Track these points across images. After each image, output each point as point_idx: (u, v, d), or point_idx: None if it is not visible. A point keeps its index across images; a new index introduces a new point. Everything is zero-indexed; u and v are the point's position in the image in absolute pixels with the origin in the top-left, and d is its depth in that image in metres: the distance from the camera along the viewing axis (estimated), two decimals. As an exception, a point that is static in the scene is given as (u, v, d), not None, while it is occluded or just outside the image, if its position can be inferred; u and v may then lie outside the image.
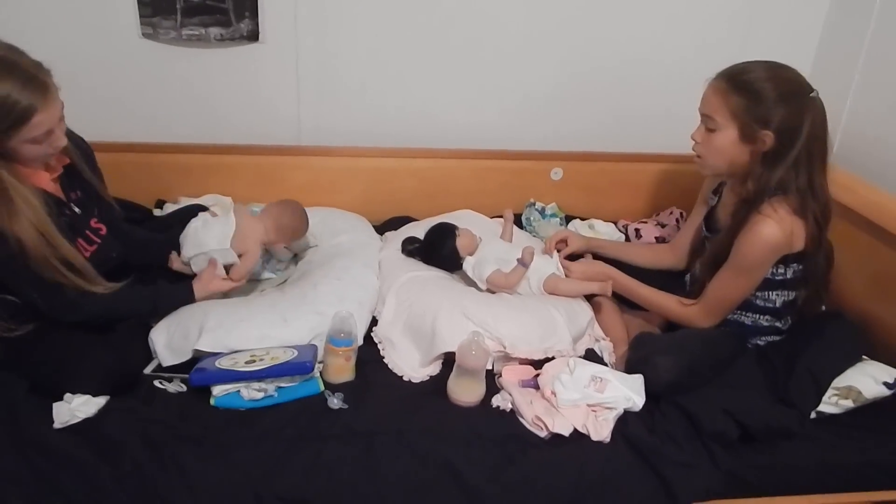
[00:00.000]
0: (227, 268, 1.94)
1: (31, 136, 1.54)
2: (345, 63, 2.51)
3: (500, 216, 2.35)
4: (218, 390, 1.65)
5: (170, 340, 1.77)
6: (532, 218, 2.59)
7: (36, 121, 1.52)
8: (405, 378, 1.81)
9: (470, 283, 2.07)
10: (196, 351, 1.73)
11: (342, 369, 1.76)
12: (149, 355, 1.78)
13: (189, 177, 2.51)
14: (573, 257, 2.18)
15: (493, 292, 2.02)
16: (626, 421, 1.69)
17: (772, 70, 1.76)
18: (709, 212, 2.06)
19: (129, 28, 2.34)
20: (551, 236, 2.23)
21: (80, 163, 1.80)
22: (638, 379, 1.75)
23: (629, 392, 1.71)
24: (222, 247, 1.94)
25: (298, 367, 1.68)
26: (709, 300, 1.87)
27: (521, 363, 1.84)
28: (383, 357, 1.87)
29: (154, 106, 2.48)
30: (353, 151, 2.59)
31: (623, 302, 2.09)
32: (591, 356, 1.89)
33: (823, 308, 2.03)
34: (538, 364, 1.82)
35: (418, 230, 2.28)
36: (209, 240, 1.95)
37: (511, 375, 1.79)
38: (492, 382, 1.78)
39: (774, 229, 1.72)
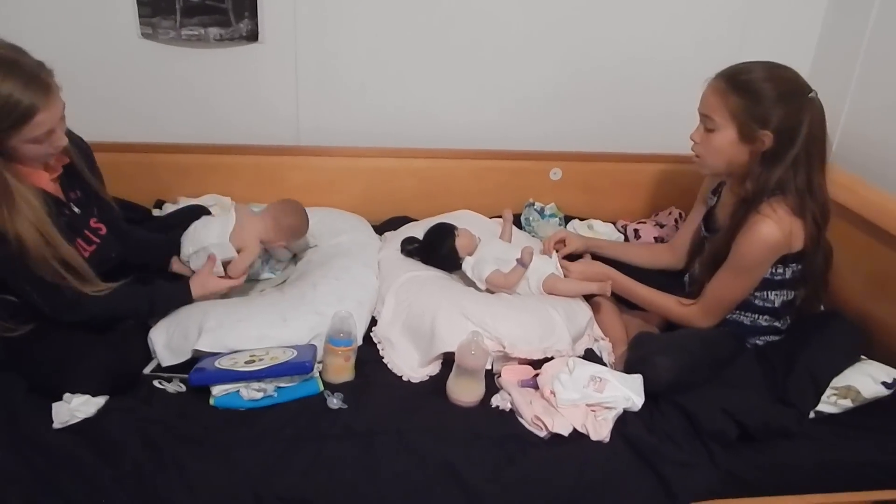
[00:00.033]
0: (226, 265, 1.94)
1: (32, 135, 1.54)
2: (344, 63, 2.51)
3: (500, 216, 2.35)
4: (217, 390, 1.66)
5: (169, 340, 1.77)
6: (531, 218, 2.60)
7: (37, 120, 1.52)
8: (404, 378, 1.81)
9: (469, 283, 2.07)
10: (195, 351, 1.73)
11: (341, 369, 1.76)
12: (148, 355, 1.79)
13: (188, 177, 2.51)
14: (572, 257, 2.18)
15: (493, 292, 2.02)
16: (625, 420, 1.69)
17: (770, 70, 1.76)
18: (708, 212, 2.06)
19: (129, 28, 2.34)
20: (549, 237, 2.23)
21: (79, 163, 1.80)
22: (637, 379, 1.75)
23: (628, 392, 1.71)
24: (221, 241, 1.94)
25: (298, 367, 1.68)
26: (708, 300, 1.87)
27: (520, 363, 1.84)
28: (383, 357, 1.87)
29: (153, 106, 2.48)
30: (352, 151, 2.59)
31: (622, 302, 2.10)
32: (591, 356, 1.90)
33: (822, 308, 2.03)
34: (537, 364, 1.82)
35: (417, 230, 2.28)
36: (209, 236, 1.96)
37: (510, 375, 1.79)
38: (491, 382, 1.78)
39: (773, 229, 1.72)
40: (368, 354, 1.86)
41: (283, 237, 2.02)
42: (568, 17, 2.52)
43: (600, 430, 1.65)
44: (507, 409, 1.71)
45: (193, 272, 1.93)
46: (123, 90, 2.44)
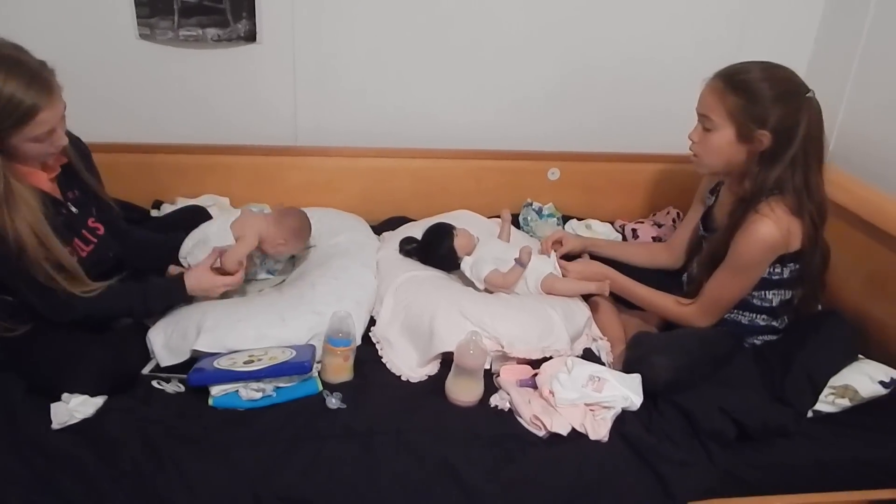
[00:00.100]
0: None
1: (33, 134, 1.54)
2: (342, 63, 2.51)
3: (498, 216, 2.35)
4: (216, 390, 1.66)
5: (168, 340, 1.77)
6: (529, 218, 2.60)
7: (39, 119, 1.53)
8: (403, 378, 1.81)
9: (468, 282, 2.07)
10: (194, 351, 1.73)
11: (340, 369, 1.76)
12: (147, 355, 1.78)
13: (186, 177, 2.51)
14: (570, 257, 2.18)
15: (491, 292, 2.02)
16: (623, 420, 1.69)
17: (768, 70, 1.76)
18: (706, 211, 2.07)
19: (127, 29, 2.34)
20: (547, 237, 2.24)
21: (77, 163, 1.80)
22: (635, 378, 1.75)
23: (627, 391, 1.71)
24: (221, 228, 1.95)
25: (297, 367, 1.68)
26: (706, 300, 1.88)
27: (518, 363, 1.84)
28: (381, 357, 1.87)
29: (151, 106, 2.48)
30: (351, 152, 2.59)
31: (620, 302, 2.10)
32: (589, 356, 1.90)
33: (820, 307, 2.03)
34: (536, 364, 1.82)
35: (416, 230, 2.28)
36: (210, 226, 1.97)
37: (509, 375, 1.79)
38: (490, 382, 1.78)
39: (772, 229, 1.72)
40: (367, 354, 1.86)
41: (282, 235, 2.01)
42: (566, 17, 2.53)
43: (599, 430, 1.65)
44: (506, 409, 1.71)
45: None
46: (121, 91, 2.44)
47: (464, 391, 1.72)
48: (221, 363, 1.68)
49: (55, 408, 1.58)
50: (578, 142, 2.72)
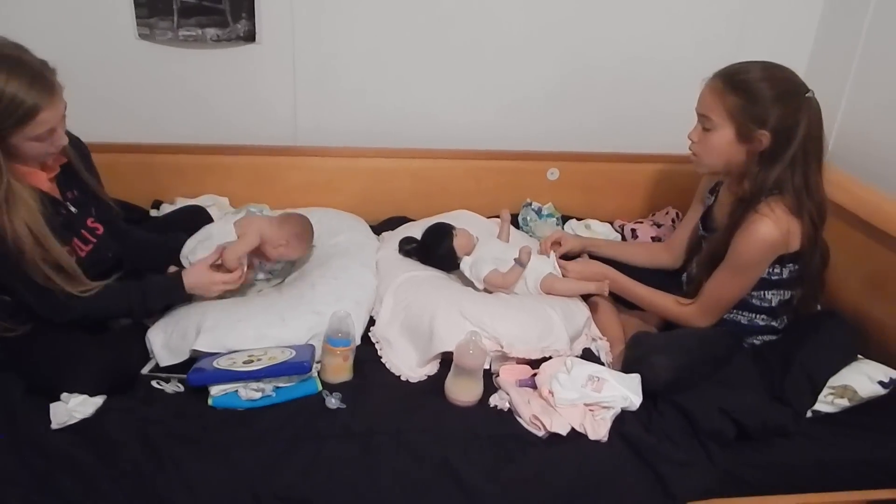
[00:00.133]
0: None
1: (34, 133, 1.54)
2: (341, 63, 2.51)
3: (497, 216, 2.35)
4: (216, 390, 1.65)
5: (167, 340, 1.77)
6: (529, 218, 2.60)
7: (41, 119, 1.53)
8: (403, 378, 1.81)
9: (467, 282, 2.08)
10: (194, 351, 1.73)
11: (340, 369, 1.76)
12: (146, 355, 1.78)
13: (185, 177, 2.51)
14: (569, 257, 2.18)
15: (491, 292, 2.02)
16: (623, 420, 1.69)
17: (768, 70, 1.76)
18: (705, 211, 2.07)
19: (126, 29, 2.34)
20: (546, 238, 2.24)
21: (77, 163, 1.81)
22: (635, 378, 1.75)
23: (626, 391, 1.71)
24: (225, 224, 1.95)
25: (296, 367, 1.68)
26: (706, 299, 1.88)
27: (518, 363, 1.84)
28: (381, 357, 1.87)
29: (151, 106, 2.48)
30: (350, 152, 2.59)
31: (620, 301, 2.10)
32: (588, 356, 1.90)
33: (819, 307, 2.03)
34: (535, 364, 1.82)
35: (415, 230, 2.28)
36: (214, 227, 1.99)
37: (508, 375, 1.79)
38: (489, 382, 1.78)
39: (771, 228, 1.72)
40: (367, 354, 1.86)
41: (284, 237, 2.00)
42: (566, 17, 2.53)
43: (598, 430, 1.65)
44: (506, 409, 1.71)
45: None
46: (121, 91, 2.44)
47: (463, 391, 1.72)
48: (221, 363, 1.68)
49: (55, 408, 1.58)
50: (578, 142, 2.72)
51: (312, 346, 1.78)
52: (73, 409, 1.58)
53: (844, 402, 1.79)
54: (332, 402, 1.68)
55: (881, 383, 1.80)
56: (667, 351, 1.78)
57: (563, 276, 2.05)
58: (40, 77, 1.53)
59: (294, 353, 1.72)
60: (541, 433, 1.64)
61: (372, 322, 1.97)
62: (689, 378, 1.75)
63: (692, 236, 2.15)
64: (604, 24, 2.56)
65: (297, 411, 1.65)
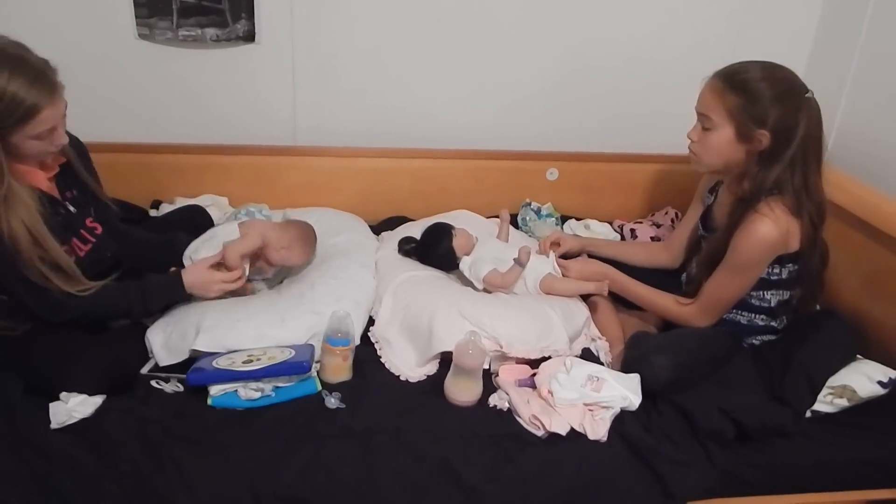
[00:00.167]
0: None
1: (35, 132, 1.55)
2: (341, 63, 2.51)
3: (496, 216, 2.35)
4: (215, 390, 1.65)
5: (167, 340, 1.76)
6: (528, 218, 2.60)
7: (42, 117, 1.53)
8: (402, 377, 1.81)
9: (466, 282, 2.08)
10: (193, 351, 1.73)
11: (339, 369, 1.76)
12: (145, 355, 1.78)
13: (185, 177, 2.51)
14: (568, 257, 2.18)
15: (490, 292, 2.03)
16: (622, 420, 1.69)
17: (768, 70, 1.77)
18: (705, 210, 2.07)
19: (126, 29, 2.34)
20: (545, 238, 2.24)
21: (76, 162, 1.81)
22: (634, 378, 1.75)
23: (626, 391, 1.71)
24: (230, 223, 1.96)
25: (296, 367, 1.68)
26: (705, 299, 1.88)
27: (517, 362, 1.84)
28: (380, 357, 1.87)
29: (150, 106, 2.48)
30: (349, 152, 2.59)
31: (619, 301, 2.10)
32: (588, 356, 1.90)
33: (818, 307, 2.03)
34: (535, 363, 1.82)
35: (415, 230, 2.28)
36: (218, 228, 1.99)
37: (508, 375, 1.79)
38: (489, 382, 1.78)
39: (771, 228, 1.73)
40: (366, 354, 1.86)
41: (286, 240, 2.00)
42: (565, 17, 2.53)
43: (598, 430, 1.65)
44: (505, 409, 1.71)
45: None
46: (120, 91, 2.43)
47: (463, 391, 1.72)
48: (220, 363, 1.68)
49: (54, 407, 1.58)
50: (577, 142, 2.72)
51: (312, 346, 1.78)
52: (72, 408, 1.58)
53: (844, 402, 1.80)
54: (332, 401, 1.68)
55: (880, 383, 1.80)
56: (666, 351, 1.78)
57: (563, 275, 2.05)
58: (42, 76, 1.53)
59: (293, 352, 1.72)
60: (540, 433, 1.65)
61: (371, 322, 1.97)
62: (689, 378, 1.76)
63: (692, 236, 2.15)
64: (603, 25, 2.56)
65: (296, 411, 1.65)
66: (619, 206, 2.76)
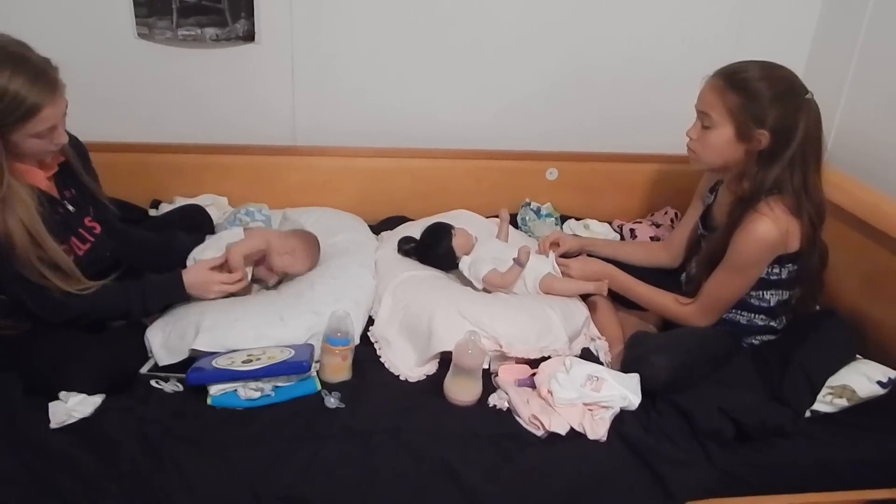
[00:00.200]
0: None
1: (35, 130, 1.55)
2: (340, 63, 2.51)
3: (496, 216, 2.35)
4: (215, 390, 1.65)
5: (166, 340, 1.76)
6: (527, 218, 2.60)
7: (43, 116, 1.53)
8: (402, 377, 1.81)
9: (466, 282, 2.08)
10: (192, 350, 1.73)
11: (339, 368, 1.76)
12: (145, 354, 1.78)
13: (184, 177, 2.51)
14: (568, 257, 2.18)
15: (489, 292, 2.03)
16: (622, 419, 1.69)
17: (768, 70, 1.77)
18: (705, 210, 2.07)
19: (125, 28, 2.34)
20: (544, 239, 2.24)
21: (75, 162, 1.80)
22: (634, 378, 1.75)
23: (625, 391, 1.71)
24: (236, 234, 1.96)
25: (295, 367, 1.68)
26: (705, 299, 1.88)
27: (517, 362, 1.84)
28: (380, 356, 1.87)
29: (150, 106, 2.48)
30: (349, 151, 2.59)
31: (618, 301, 2.10)
32: (587, 355, 1.90)
33: (817, 307, 2.04)
34: (534, 363, 1.82)
35: (414, 230, 2.28)
36: (226, 233, 2.00)
37: (507, 374, 1.80)
38: (488, 382, 1.78)
39: (770, 227, 1.73)
40: (365, 354, 1.86)
41: (290, 245, 2.00)
42: (564, 17, 2.53)
43: (597, 430, 1.65)
44: (505, 409, 1.72)
45: None
46: (120, 90, 2.43)
47: (462, 391, 1.72)
48: (220, 362, 1.68)
49: (53, 407, 1.58)
50: (576, 142, 2.72)
51: (311, 346, 1.78)
52: (71, 408, 1.57)
53: (843, 402, 1.80)
54: (331, 401, 1.68)
55: (880, 383, 1.80)
56: (666, 350, 1.78)
57: (565, 274, 2.05)
58: (44, 74, 1.53)
59: (293, 352, 1.72)
60: (540, 433, 1.65)
61: (371, 322, 1.97)
62: (688, 378, 1.76)
63: (691, 235, 2.15)
64: (602, 25, 2.56)
65: (296, 411, 1.65)
66: (618, 205, 2.76)
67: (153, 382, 1.71)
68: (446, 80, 2.58)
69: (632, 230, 2.60)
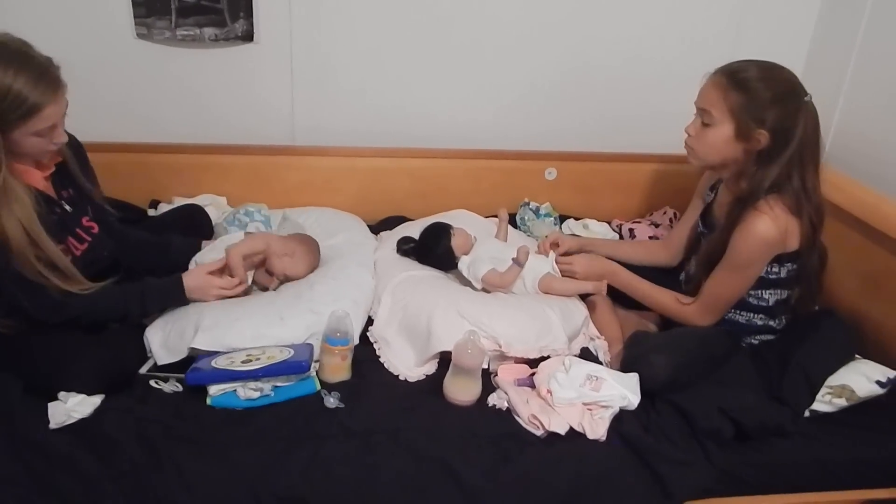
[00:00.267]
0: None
1: (36, 129, 1.55)
2: (339, 63, 2.51)
3: (495, 216, 2.35)
4: (214, 390, 1.65)
5: (165, 339, 1.76)
6: (526, 217, 2.60)
7: (44, 114, 1.54)
8: (401, 377, 1.81)
9: (465, 282, 2.07)
10: (192, 350, 1.73)
11: (338, 368, 1.76)
12: (144, 354, 1.78)
13: (183, 177, 2.51)
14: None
15: (489, 291, 2.03)
16: (621, 419, 1.69)
17: (770, 70, 1.77)
18: (705, 208, 2.07)
19: (124, 28, 2.34)
20: (544, 239, 2.23)
21: (73, 162, 1.80)
22: (633, 377, 1.75)
23: (624, 390, 1.71)
24: (237, 236, 1.97)
25: (295, 367, 1.68)
26: (706, 298, 1.88)
27: (516, 362, 1.84)
28: (379, 356, 1.87)
29: (149, 106, 2.48)
30: (348, 151, 2.59)
31: (618, 301, 2.10)
32: (586, 355, 1.90)
33: (816, 307, 2.04)
34: (534, 363, 1.82)
35: (413, 230, 2.28)
36: (228, 237, 2.00)
37: (507, 374, 1.80)
38: (488, 381, 1.78)
39: (769, 225, 1.73)
40: (365, 354, 1.86)
41: (289, 247, 2.00)
42: (564, 17, 2.53)
43: (597, 429, 1.65)
44: (504, 408, 1.72)
45: None
46: (119, 90, 2.43)
47: (462, 390, 1.72)
48: (219, 362, 1.68)
49: (53, 407, 1.58)
50: (575, 141, 2.72)
51: (311, 346, 1.78)
52: (71, 408, 1.57)
53: (842, 402, 1.80)
54: (331, 401, 1.68)
55: (879, 383, 1.80)
56: (665, 350, 1.78)
57: (568, 270, 2.05)
58: (46, 73, 1.54)
59: (292, 352, 1.72)
60: (539, 432, 1.65)
61: (370, 322, 1.97)
62: (688, 377, 1.76)
63: (691, 234, 2.15)
64: (602, 24, 2.56)
65: (295, 411, 1.65)
66: (617, 205, 2.77)
67: (152, 382, 1.71)
68: (446, 80, 2.58)
69: (631, 230, 2.60)
